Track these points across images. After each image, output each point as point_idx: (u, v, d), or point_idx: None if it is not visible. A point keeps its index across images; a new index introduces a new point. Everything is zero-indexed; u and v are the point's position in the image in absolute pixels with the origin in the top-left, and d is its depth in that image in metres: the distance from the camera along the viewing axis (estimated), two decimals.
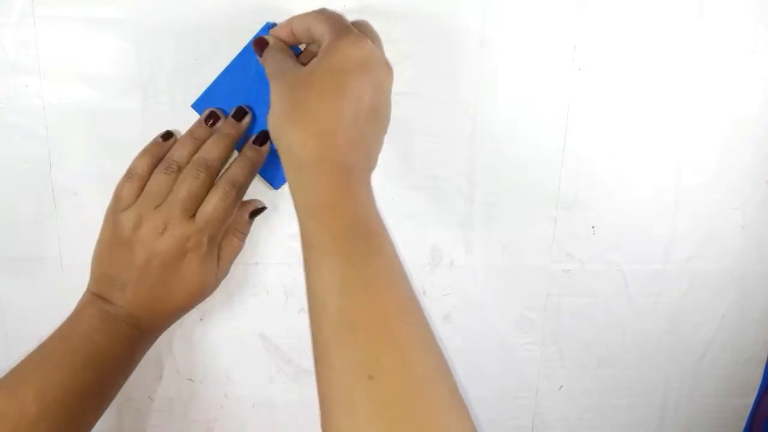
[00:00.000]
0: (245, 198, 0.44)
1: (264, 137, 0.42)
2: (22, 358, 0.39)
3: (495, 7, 0.44)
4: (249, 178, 0.42)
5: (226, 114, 0.42)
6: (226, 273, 0.45)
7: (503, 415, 0.53)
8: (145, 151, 0.42)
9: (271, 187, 0.45)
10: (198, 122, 0.42)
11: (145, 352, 0.43)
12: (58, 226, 0.45)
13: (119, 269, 0.40)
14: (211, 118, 0.42)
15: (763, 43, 0.46)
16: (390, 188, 0.46)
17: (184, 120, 0.43)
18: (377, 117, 0.36)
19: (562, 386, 0.54)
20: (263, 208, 0.45)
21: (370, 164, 0.36)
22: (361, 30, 0.37)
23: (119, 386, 0.42)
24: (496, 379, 0.52)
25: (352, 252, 0.32)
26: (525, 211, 0.48)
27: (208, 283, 0.43)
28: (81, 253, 0.42)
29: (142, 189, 0.40)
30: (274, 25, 0.41)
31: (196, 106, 0.43)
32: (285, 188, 0.46)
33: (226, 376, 0.50)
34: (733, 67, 0.46)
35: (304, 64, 0.36)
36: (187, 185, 0.39)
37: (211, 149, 0.41)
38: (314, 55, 0.36)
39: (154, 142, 0.42)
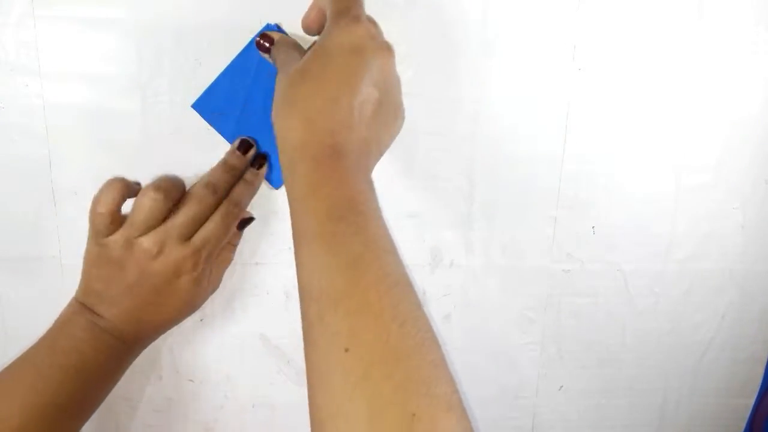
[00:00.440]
0: None
1: (262, 160, 0.43)
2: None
3: (495, 7, 0.44)
4: (250, 199, 0.43)
5: (230, 109, 0.43)
6: (217, 286, 0.45)
7: (503, 415, 0.53)
8: (114, 188, 0.40)
9: (271, 187, 0.45)
10: (229, 151, 0.43)
11: (131, 362, 0.44)
12: (58, 226, 0.45)
13: (107, 285, 0.40)
14: (243, 146, 0.43)
15: (763, 43, 0.46)
16: (390, 188, 0.46)
17: (184, 120, 0.43)
18: (377, 100, 0.35)
19: (562, 386, 0.54)
20: (251, 219, 0.45)
21: (369, 148, 0.35)
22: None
23: (103, 397, 0.42)
24: (496, 379, 0.52)
25: (335, 234, 0.31)
26: (525, 211, 0.48)
27: (200, 298, 0.43)
28: (81, 253, 0.42)
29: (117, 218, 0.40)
30: (275, 26, 0.41)
31: (196, 106, 0.43)
32: (283, 191, 0.46)
33: (226, 377, 0.50)
34: (733, 67, 0.46)
35: None
36: (192, 211, 0.40)
37: (219, 177, 0.42)
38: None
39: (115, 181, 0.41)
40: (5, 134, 0.43)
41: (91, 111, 0.43)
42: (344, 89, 0.34)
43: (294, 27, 0.42)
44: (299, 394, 0.51)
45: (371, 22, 0.37)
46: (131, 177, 0.41)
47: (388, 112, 0.36)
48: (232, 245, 0.45)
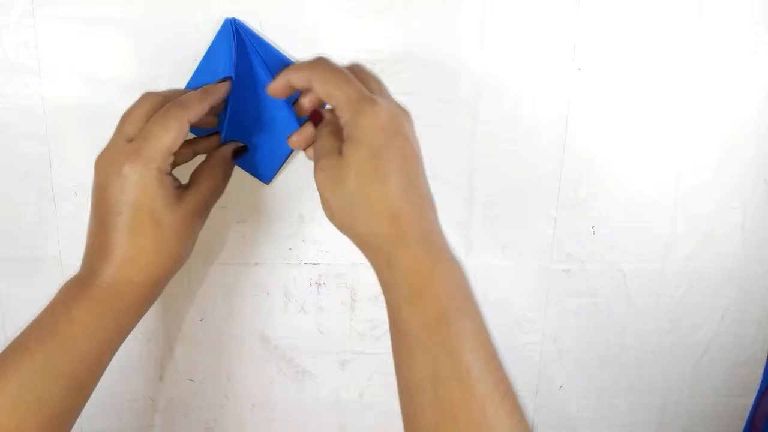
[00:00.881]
0: (246, 202, 0.44)
1: (226, 78, 0.40)
2: None
3: (495, 7, 0.44)
4: (200, 104, 0.37)
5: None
6: (202, 208, 0.40)
7: None
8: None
9: (262, 182, 0.45)
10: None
11: (124, 337, 0.40)
12: (58, 226, 0.45)
13: (92, 231, 0.38)
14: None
15: (763, 43, 0.46)
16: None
17: None
18: (421, 166, 0.37)
19: (562, 386, 0.54)
20: (244, 147, 0.42)
21: (437, 220, 0.37)
22: (366, 84, 0.37)
23: (97, 380, 0.39)
24: None
25: (445, 340, 0.32)
26: (525, 211, 0.48)
27: (179, 216, 0.37)
28: (81, 253, 0.42)
29: None
30: (234, 20, 0.41)
31: None
32: (283, 190, 0.46)
33: (226, 377, 0.50)
34: (733, 67, 0.46)
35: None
36: (138, 110, 0.37)
37: (189, 94, 0.38)
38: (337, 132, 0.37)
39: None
40: (5, 134, 0.43)
41: (91, 111, 0.43)
42: (408, 170, 0.35)
43: (280, 27, 0.42)
44: (299, 393, 0.51)
45: (378, 91, 0.38)
46: None
47: (423, 170, 0.38)
48: (221, 168, 0.41)
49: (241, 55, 0.40)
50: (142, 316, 0.39)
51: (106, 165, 0.36)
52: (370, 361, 0.51)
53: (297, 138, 0.40)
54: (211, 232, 0.47)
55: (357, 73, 0.38)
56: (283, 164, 0.45)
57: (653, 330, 0.53)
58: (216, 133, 0.42)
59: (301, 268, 0.48)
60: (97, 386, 0.38)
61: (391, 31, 0.43)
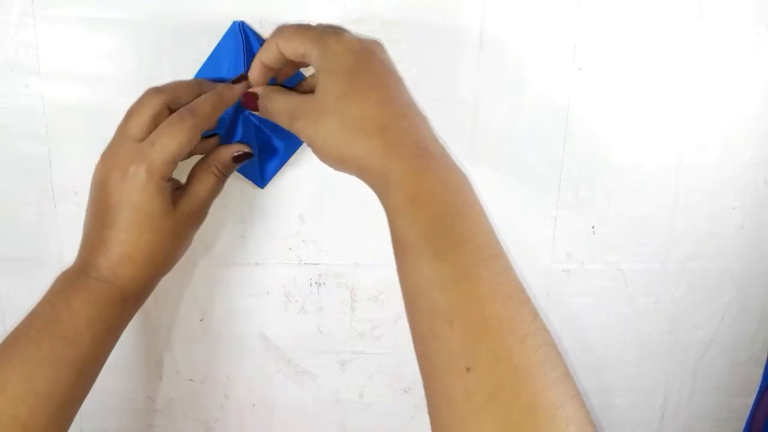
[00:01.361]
0: (246, 200, 0.43)
1: (240, 78, 0.40)
2: None
3: (495, 7, 0.44)
4: (212, 112, 0.38)
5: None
6: (199, 210, 0.40)
7: None
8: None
9: (257, 186, 0.45)
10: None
11: (123, 327, 0.40)
12: (58, 226, 0.45)
13: (90, 227, 0.38)
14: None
15: (763, 43, 0.46)
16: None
17: None
18: (401, 81, 0.37)
19: None
20: (249, 154, 0.41)
21: (432, 130, 0.36)
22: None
23: (99, 369, 0.39)
24: None
25: (442, 244, 0.30)
26: (525, 211, 0.48)
27: (176, 216, 0.38)
28: None
29: None
30: (242, 23, 0.41)
31: None
32: (283, 190, 0.46)
33: (226, 376, 0.50)
34: (733, 67, 0.46)
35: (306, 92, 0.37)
36: (145, 111, 0.37)
37: (203, 102, 0.38)
38: (311, 86, 0.37)
39: None
40: (5, 134, 0.43)
41: (91, 111, 0.43)
42: (387, 85, 0.35)
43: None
44: (299, 393, 0.51)
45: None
46: None
47: (406, 88, 0.37)
48: (219, 170, 0.40)
49: (248, 58, 0.40)
50: (137, 309, 0.40)
51: (111, 165, 0.37)
52: (370, 361, 0.51)
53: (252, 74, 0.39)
54: (211, 232, 0.47)
55: (325, 25, 0.39)
56: (279, 169, 0.45)
57: (653, 330, 0.53)
58: (215, 134, 0.42)
59: (301, 268, 0.48)
60: (97, 386, 0.38)
61: (391, 31, 0.43)
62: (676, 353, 0.53)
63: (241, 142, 0.41)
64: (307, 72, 0.43)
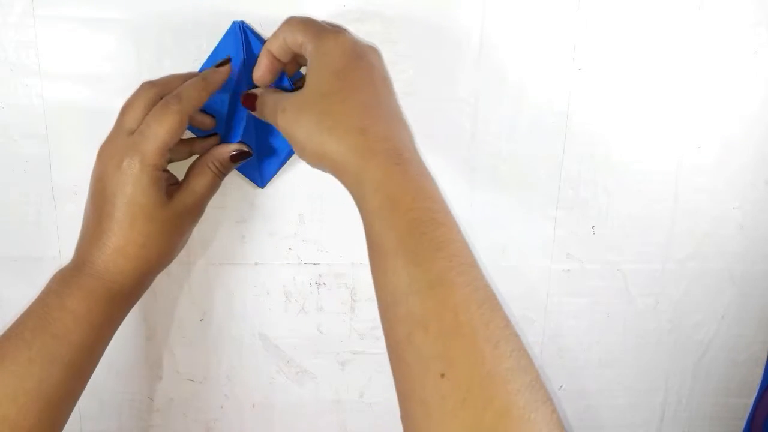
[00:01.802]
0: (247, 199, 0.43)
1: (225, 61, 0.40)
2: None
3: (495, 7, 0.44)
4: (198, 95, 0.38)
5: (217, 107, 0.42)
6: (195, 206, 0.40)
7: None
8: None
9: (256, 186, 0.45)
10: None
11: (116, 324, 0.40)
12: (58, 226, 0.45)
13: (86, 221, 0.39)
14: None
15: (763, 43, 0.46)
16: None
17: None
18: (391, 86, 0.37)
19: (562, 386, 0.54)
20: (248, 153, 0.41)
21: (411, 138, 0.36)
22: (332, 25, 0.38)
23: (94, 366, 0.39)
24: None
25: (418, 250, 0.31)
26: (525, 211, 0.48)
27: (171, 211, 0.38)
28: None
29: None
30: (242, 23, 0.41)
31: None
32: (284, 190, 0.46)
33: (226, 376, 0.50)
34: (733, 66, 0.46)
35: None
36: (137, 104, 0.38)
37: (187, 86, 0.38)
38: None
39: None
40: (5, 134, 0.43)
41: (91, 111, 0.43)
42: (374, 90, 0.35)
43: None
44: (299, 393, 0.51)
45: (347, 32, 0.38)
46: None
47: (396, 99, 0.37)
48: (217, 168, 0.40)
49: (248, 58, 0.40)
50: (131, 307, 0.40)
51: (107, 158, 0.37)
52: (370, 361, 0.51)
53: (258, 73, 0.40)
54: (211, 232, 0.47)
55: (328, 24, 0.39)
56: (279, 169, 0.45)
57: (653, 330, 0.53)
58: (214, 134, 0.42)
59: (301, 268, 0.48)
60: (97, 386, 0.38)
61: (391, 31, 0.43)
62: (676, 353, 0.53)
63: (240, 141, 0.41)
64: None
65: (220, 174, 0.41)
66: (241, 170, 0.44)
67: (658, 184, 0.49)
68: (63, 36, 0.42)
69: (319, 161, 0.35)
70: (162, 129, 0.36)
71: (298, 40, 0.37)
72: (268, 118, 0.38)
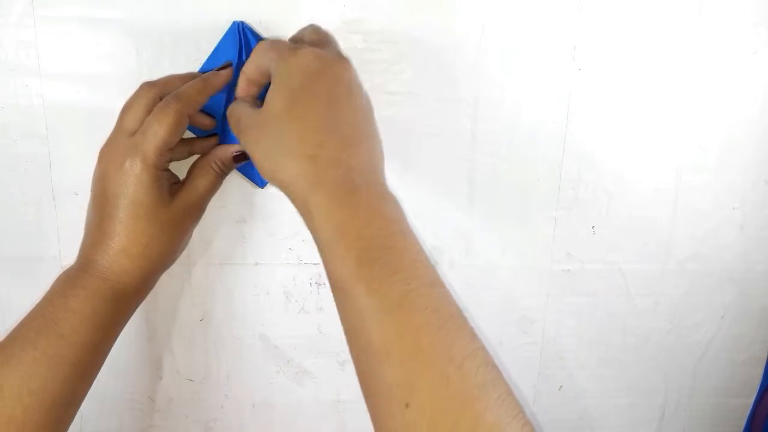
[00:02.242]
0: (246, 200, 0.43)
1: (227, 65, 0.40)
2: None
3: (495, 7, 0.44)
4: (198, 96, 0.38)
5: (215, 108, 0.42)
6: (196, 205, 0.40)
7: None
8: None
9: (256, 186, 0.45)
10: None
11: (121, 324, 0.40)
12: (58, 226, 0.45)
13: (89, 222, 0.39)
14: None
15: (763, 43, 0.46)
16: (390, 188, 0.46)
17: None
18: (359, 106, 0.35)
19: (561, 386, 0.54)
20: (244, 155, 0.41)
21: (377, 157, 0.35)
22: (306, 39, 0.38)
23: (99, 366, 0.39)
24: None
25: (373, 278, 0.30)
26: (525, 211, 0.48)
27: (171, 211, 0.38)
28: None
29: None
30: (242, 23, 0.41)
31: None
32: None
33: (226, 376, 0.50)
34: (733, 67, 0.46)
35: None
36: (137, 105, 0.38)
37: (187, 87, 0.38)
38: None
39: None
40: (5, 134, 0.43)
41: (91, 111, 0.43)
42: (332, 108, 0.34)
43: (279, 26, 0.42)
44: (299, 393, 0.51)
45: (317, 43, 0.37)
46: None
47: (365, 119, 0.36)
48: (219, 166, 0.41)
49: (247, 58, 0.40)
50: (136, 307, 0.40)
51: (108, 159, 0.38)
52: None
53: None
54: (211, 232, 0.47)
55: (304, 35, 0.39)
56: None
57: (653, 330, 0.53)
58: (214, 134, 0.42)
59: (301, 268, 0.48)
60: (97, 386, 0.38)
61: (391, 31, 0.43)
62: (676, 353, 0.53)
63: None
64: None
65: (222, 173, 0.41)
66: (241, 170, 0.44)
67: (658, 184, 0.49)
68: (63, 36, 0.42)
69: (275, 183, 0.35)
70: (162, 129, 0.36)
71: (264, 64, 0.37)
72: (234, 132, 0.38)
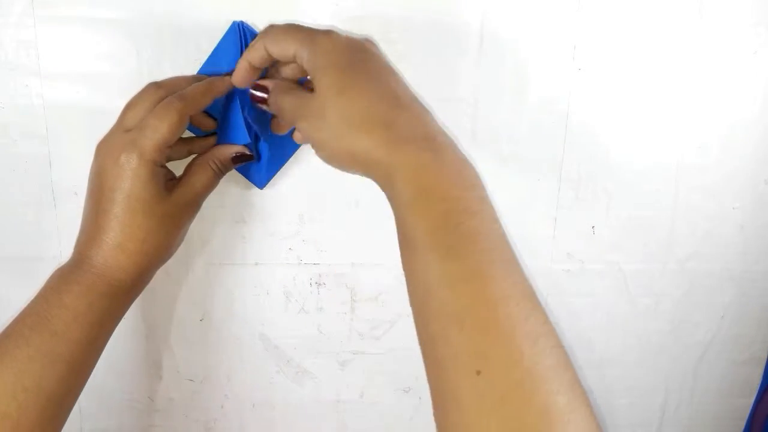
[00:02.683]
0: (245, 197, 0.43)
1: (245, 158, 0.42)
2: None
3: (495, 7, 0.44)
4: (201, 98, 0.38)
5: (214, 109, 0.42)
6: (192, 202, 0.40)
7: None
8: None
9: (255, 187, 0.46)
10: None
11: (116, 321, 0.39)
12: (58, 226, 0.45)
13: (85, 217, 0.39)
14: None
15: (763, 43, 0.46)
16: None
17: None
18: (399, 76, 0.36)
19: None
20: (249, 156, 0.42)
21: (433, 117, 0.35)
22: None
23: (94, 362, 0.39)
24: None
25: (451, 244, 0.30)
26: (525, 211, 0.48)
27: (168, 205, 0.38)
28: None
29: None
30: (242, 23, 0.41)
31: None
32: (283, 190, 0.46)
33: (226, 376, 0.50)
34: (733, 67, 0.46)
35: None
36: (140, 102, 0.38)
37: (192, 88, 0.38)
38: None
39: None
40: (5, 134, 0.43)
41: (91, 111, 0.43)
42: (386, 79, 0.34)
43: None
44: (299, 393, 0.51)
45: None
46: None
47: (405, 85, 0.37)
48: (217, 166, 0.41)
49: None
50: (131, 303, 0.40)
51: (105, 153, 0.37)
52: (370, 361, 0.51)
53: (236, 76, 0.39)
54: (211, 231, 0.47)
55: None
56: (279, 170, 0.45)
57: (653, 330, 0.53)
58: (213, 134, 0.42)
59: (301, 268, 0.48)
60: (97, 386, 0.38)
61: (391, 31, 0.43)
62: (676, 353, 0.53)
63: (243, 145, 0.41)
64: None
65: (220, 173, 0.41)
66: (240, 171, 0.44)
67: (658, 184, 0.49)
68: (63, 36, 0.42)
69: (349, 162, 0.34)
70: (162, 125, 0.36)
71: (289, 51, 0.36)
72: (287, 119, 0.38)
